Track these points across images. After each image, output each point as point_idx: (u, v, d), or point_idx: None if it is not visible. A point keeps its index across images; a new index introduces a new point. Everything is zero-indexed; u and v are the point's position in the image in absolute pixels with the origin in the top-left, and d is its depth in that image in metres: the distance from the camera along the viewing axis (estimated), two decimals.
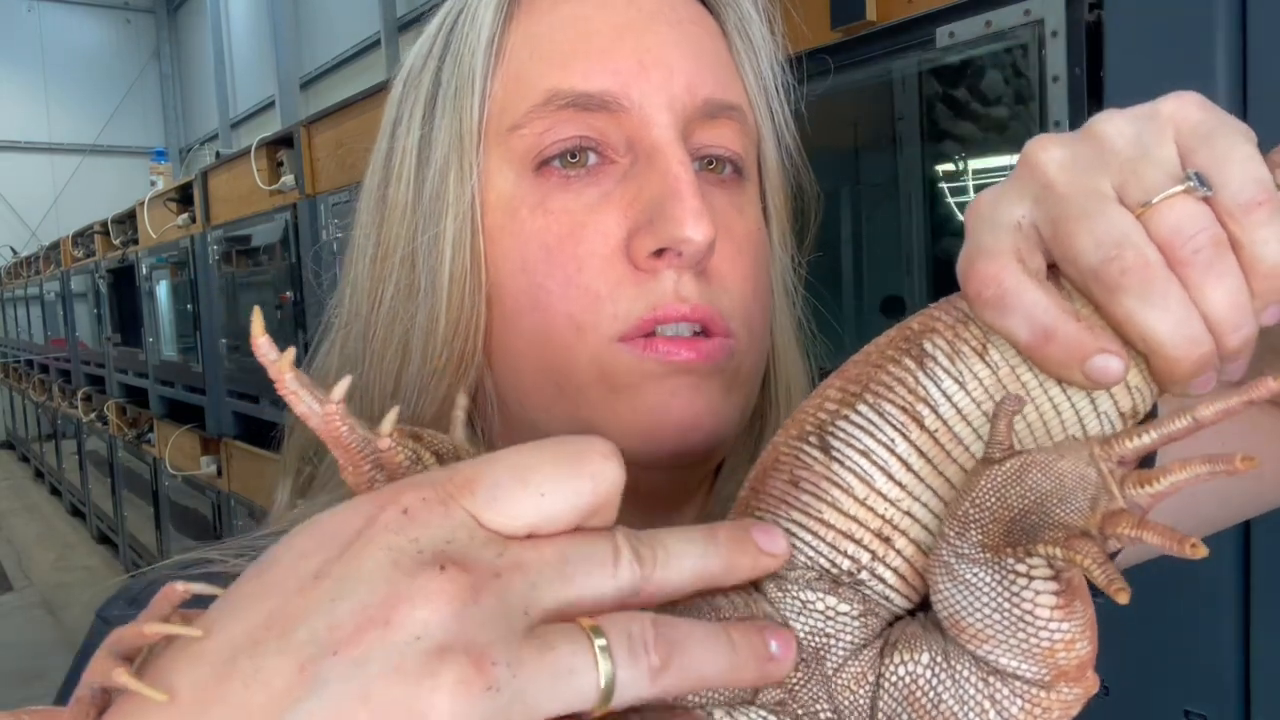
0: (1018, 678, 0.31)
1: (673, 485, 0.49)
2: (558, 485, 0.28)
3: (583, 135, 0.45)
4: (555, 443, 0.29)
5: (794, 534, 0.35)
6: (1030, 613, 0.29)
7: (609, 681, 0.26)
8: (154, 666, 0.26)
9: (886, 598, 0.34)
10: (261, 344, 0.30)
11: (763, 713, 0.32)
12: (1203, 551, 0.25)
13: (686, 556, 0.30)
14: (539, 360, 0.46)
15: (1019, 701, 0.31)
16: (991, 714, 0.31)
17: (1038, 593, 0.29)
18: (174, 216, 3.70)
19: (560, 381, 0.45)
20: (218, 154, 4.06)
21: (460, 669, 0.24)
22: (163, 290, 4.05)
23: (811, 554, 0.34)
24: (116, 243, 4.79)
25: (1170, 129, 0.33)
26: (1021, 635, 0.30)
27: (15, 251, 10.21)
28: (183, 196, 3.68)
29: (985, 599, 0.30)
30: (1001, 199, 0.34)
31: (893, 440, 0.34)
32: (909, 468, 0.34)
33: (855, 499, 0.34)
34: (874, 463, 0.34)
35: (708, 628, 0.29)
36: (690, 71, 0.46)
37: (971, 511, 0.30)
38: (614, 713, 0.29)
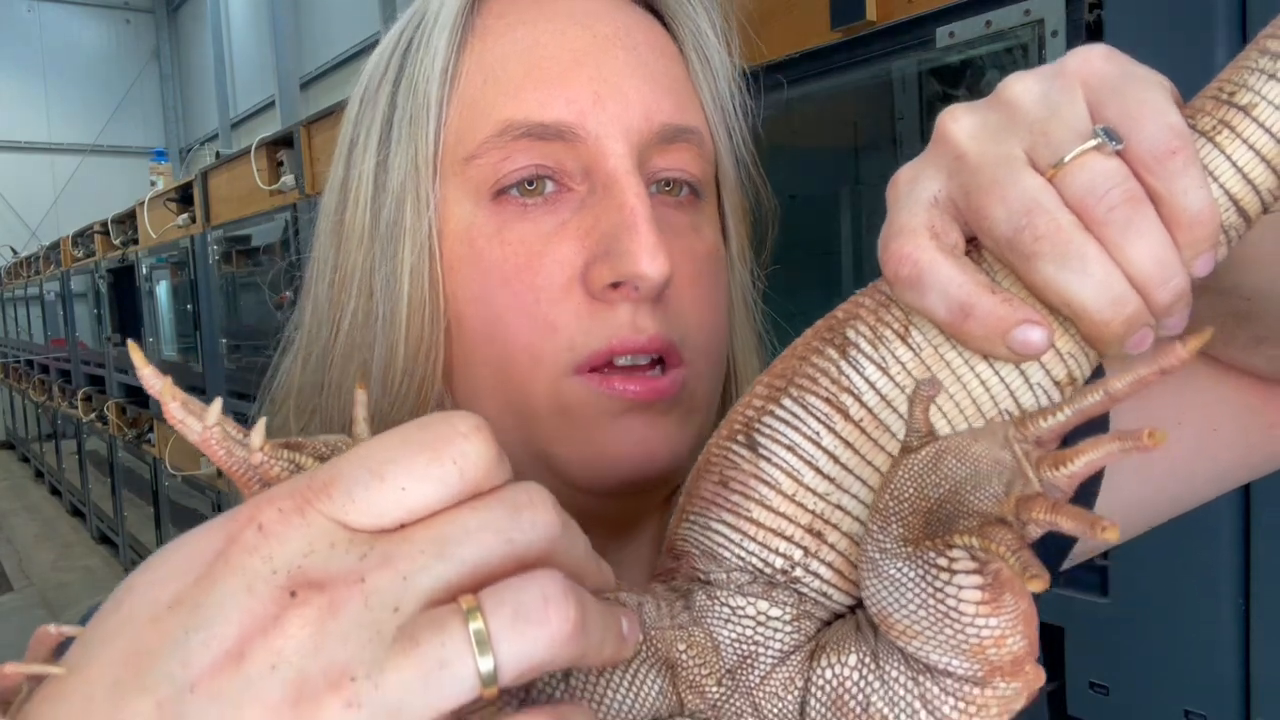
0: (950, 675, 0.29)
1: (628, 510, 0.49)
2: (417, 476, 0.26)
3: (539, 164, 0.45)
4: (415, 427, 0.27)
5: (724, 535, 0.34)
6: (955, 608, 0.28)
7: (492, 662, 0.24)
8: (25, 709, 0.25)
9: (825, 594, 0.33)
10: (147, 374, 0.30)
11: None
12: (1114, 535, 0.24)
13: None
14: (497, 390, 0.46)
15: (951, 700, 0.29)
16: (923, 714, 0.30)
17: (961, 587, 0.27)
18: (174, 216, 3.70)
19: (518, 411, 0.46)
20: (218, 154, 4.06)
21: (318, 694, 0.23)
22: (163, 290, 4.05)
23: (743, 554, 0.34)
24: (116, 243, 4.79)
25: (1077, 85, 0.32)
26: (949, 631, 0.28)
27: (15, 251, 10.21)
28: (183, 196, 3.68)
29: (910, 595, 0.28)
30: (917, 175, 0.34)
31: (818, 433, 0.33)
32: (836, 460, 0.33)
33: (784, 495, 0.33)
34: (800, 457, 0.33)
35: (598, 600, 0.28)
36: (647, 98, 0.46)
37: (891, 504, 0.29)
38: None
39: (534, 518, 0.27)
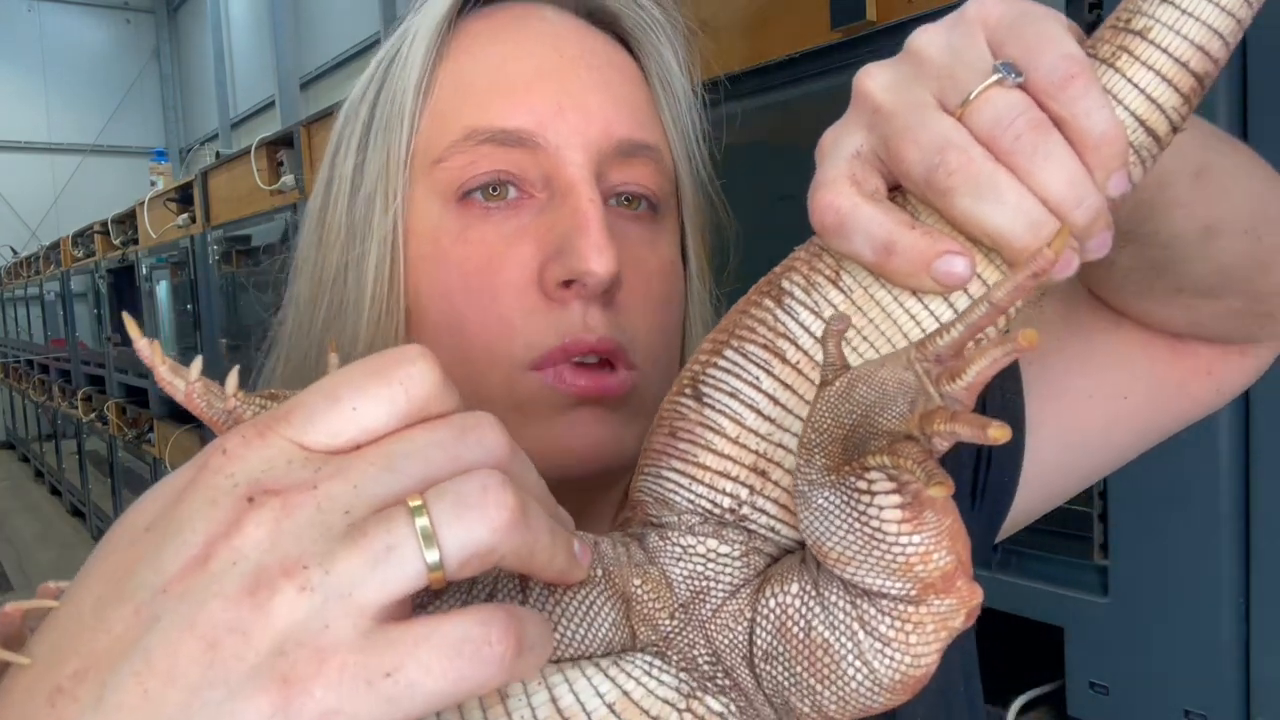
0: (884, 596, 0.30)
1: (584, 499, 0.51)
2: (367, 397, 0.28)
3: (501, 169, 0.48)
4: (369, 358, 0.29)
5: (675, 482, 0.36)
6: (879, 529, 0.29)
7: (437, 549, 0.26)
8: (26, 644, 0.28)
9: (773, 529, 0.35)
10: (142, 345, 0.32)
11: (646, 658, 0.33)
12: (1003, 433, 0.25)
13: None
14: (456, 383, 0.47)
15: (888, 619, 0.31)
16: (861, 635, 0.31)
17: (882, 507, 0.29)
18: (174, 216, 3.70)
19: (475, 405, 0.47)
20: (218, 154, 4.07)
21: (273, 581, 0.25)
22: (163, 290, 4.05)
23: (693, 498, 0.35)
24: (116, 243, 4.79)
25: (978, 28, 0.34)
26: (878, 553, 0.29)
27: (15, 251, 10.21)
28: (183, 196, 3.68)
29: (837, 521, 0.30)
30: (840, 132, 0.36)
31: (758, 378, 0.35)
32: (776, 402, 0.34)
33: (728, 439, 0.35)
34: (742, 402, 0.35)
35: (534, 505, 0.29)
36: (608, 114, 0.49)
37: (812, 436, 0.30)
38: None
39: (481, 438, 0.29)
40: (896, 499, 0.28)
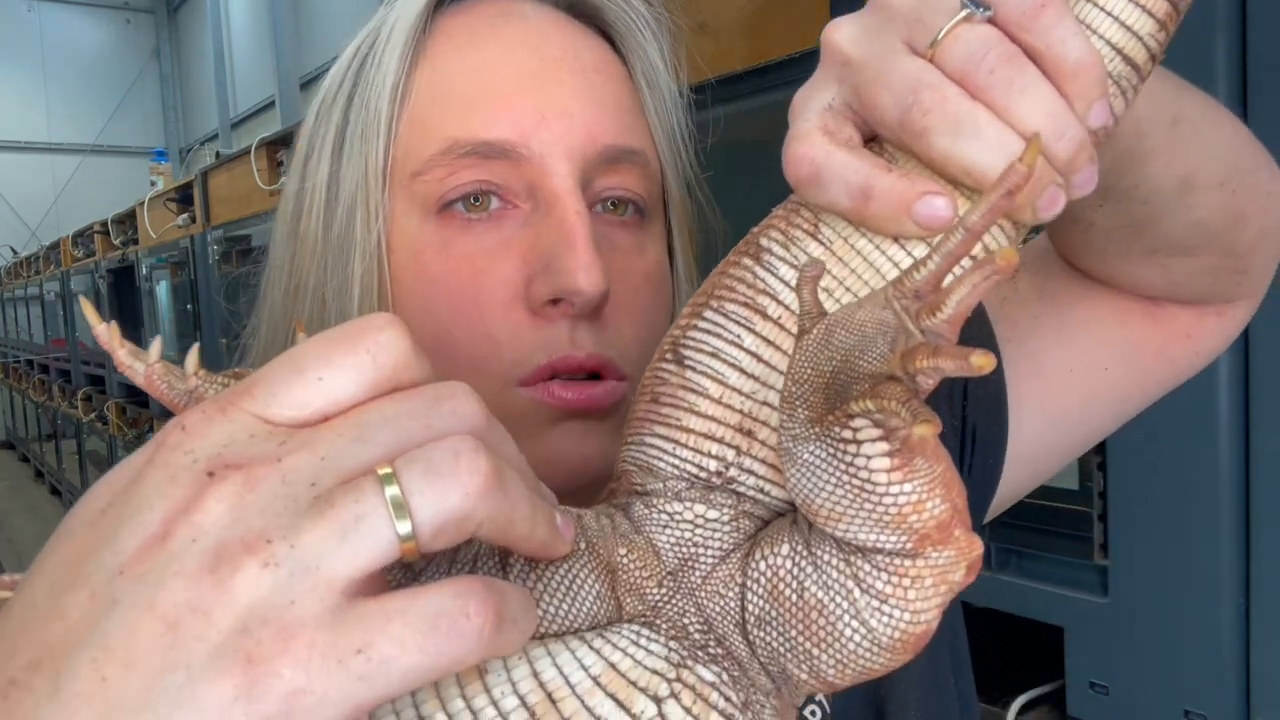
0: (879, 551, 0.29)
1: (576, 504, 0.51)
2: (333, 366, 0.27)
3: (483, 180, 0.46)
4: (335, 328, 0.28)
5: (658, 448, 0.34)
6: (869, 479, 0.27)
7: (408, 519, 0.25)
8: None
9: (762, 490, 0.34)
10: (101, 331, 0.32)
11: (634, 628, 0.31)
12: (990, 362, 0.24)
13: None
14: None
15: (884, 575, 0.29)
16: (857, 593, 0.30)
17: (869, 456, 0.27)
18: (174, 216, 3.70)
19: None
20: (218, 154, 4.06)
21: (235, 557, 0.24)
22: (163, 290, 4.05)
23: (678, 463, 0.34)
24: (116, 243, 4.79)
25: None
26: (869, 505, 0.28)
27: (15, 251, 10.21)
28: (183, 196, 3.68)
29: (825, 475, 0.28)
30: (811, 89, 0.35)
31: (739, 336, 0.34)
32: (759, 358, 0.33)
33: (711, 399, 0.34)
34: (724, 361, 0.34)
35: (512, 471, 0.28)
36: (591, 119, 0.47)
37: (794, 389, 0.29)
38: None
39: (454, 407, 0.27)
40: (884, 446, 0.27)
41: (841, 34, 0.34)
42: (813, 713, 0.45)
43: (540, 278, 0.45)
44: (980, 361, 0.24)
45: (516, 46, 0.48)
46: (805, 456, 0.29)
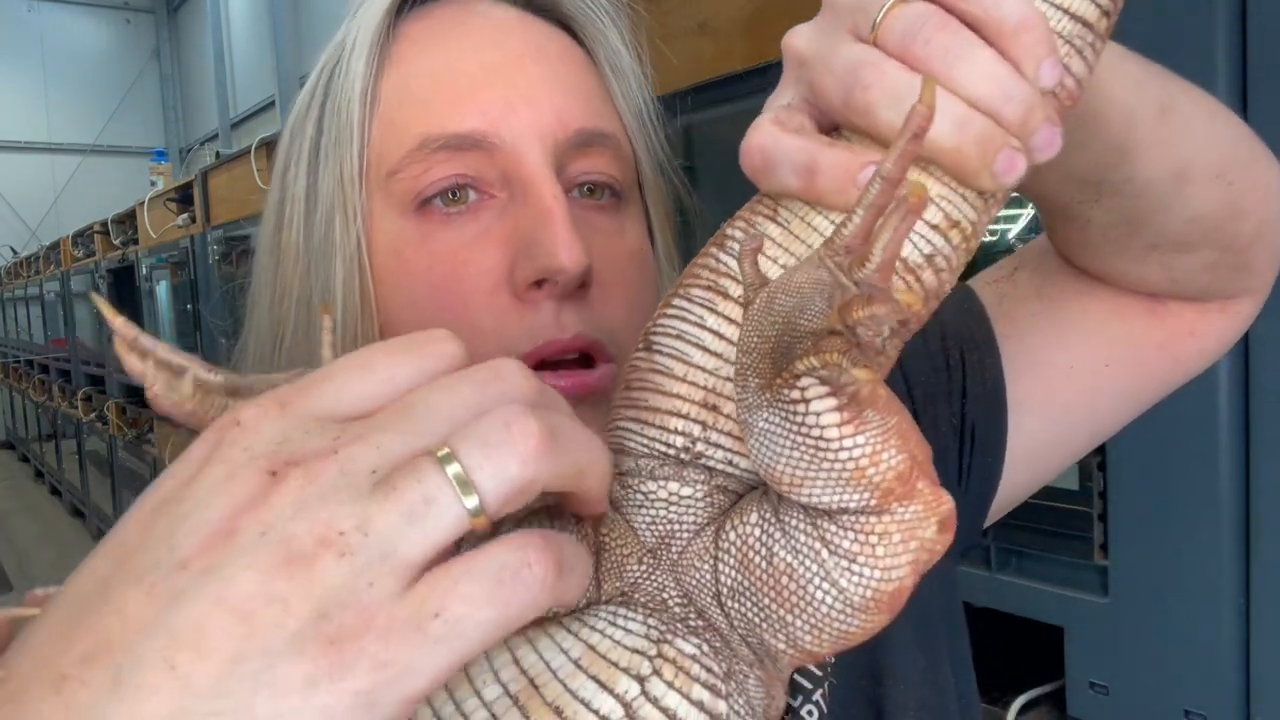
0: (845, 511, 0.29)
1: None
2: (401, 364, 0.28)
3: (459, 174, 0.47)
4: (395, 340, 0.29)
5: (627, 429, 0.35)
6: (821, 436, 0.28)
7: (473, 494, 0.25)
8: (17, 640, 0.27)
9: (731, 463, 0.34)
10: (119, 324, 0.32)
11: (610, 609, 0.32)
12: (916, 299, 0.25)
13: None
14: None
15: (850, 534, 0.29)
16: (824, 554, 0.30)
17: (819, 413, 0.27)
18: (174, 216, 3.70)
19: None
20: (218, 154, 4.06)
21: (310, 549, 0.24)
22: (163, 290, 4.05)
23: (646, 442, 0.35)
24: (116, 243, 4.79)
25: None
26: (826, 464, 0.28)
27: (15, 251, 10.21)
28: (183, 196, 3.68)
29: (781, 440, 0.29)
30: (775, 94, 0.37)
31: (702, 317, 0.35)
32: (721, 336, 0.34)
33: (675, 378, 0.35)
34: (687, 341, 0.35)
35: (582, 428, 0.29)
36: (559, 105, 0.48)
37: (744, 359, 0.30)
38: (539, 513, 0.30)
39: (503, 388, 0.28)
40: (832, 401, 0.27)
41: (797, 39, 0.36)
42: (810, 713, 0.45)
43: (522, 261, 0.46)
44: (907, 299, 0.25)
45: (479, 41, 0.49)
46: (761, 425, 0.29)
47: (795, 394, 0.28)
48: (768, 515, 0.32)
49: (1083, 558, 1.09)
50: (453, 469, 0.25)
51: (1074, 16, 0.33)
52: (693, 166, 1.54)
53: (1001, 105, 0.31)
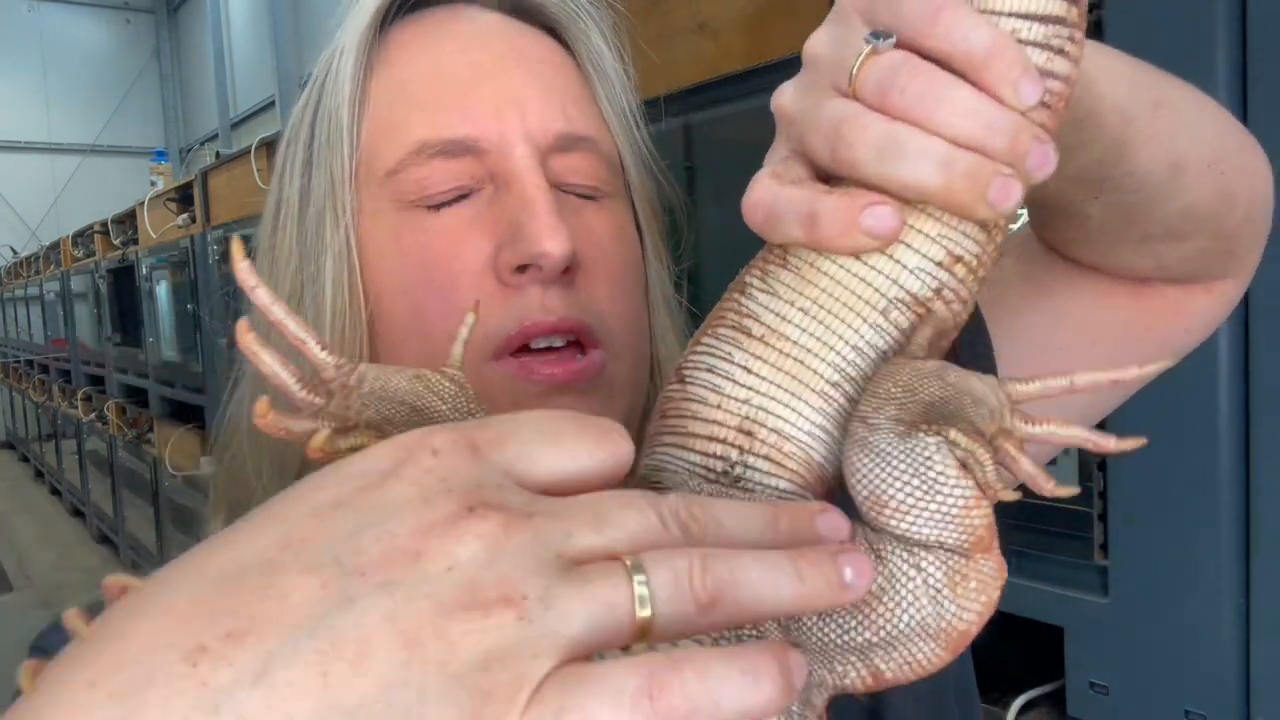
0: (941, 546, 0.32)
1: None
2: (586, 451, 0.28)
3: (460, 186, 0.49)
4: (573, 415, 0.29)
5: (667, 454, 0.38)
6: (941, 474, 0.31)
7: (648, 616, 0.25)
8: (129, 594, 0.25)
9: (769, 485, 0.36)
10: (262, 294, 0.34)
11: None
12: (1068, 492, 0.30)
13: (740, 527, 0.29)
14: None
15: (943, 569, 0.32)
16: (918, 580, 0.32)
17: (946, 455, 0.31)
18: (174, 216, 3.70)
19: None
20: (218, 154, 4.06)
21: (491, 602, 0.24)
22: (163, 290, 4.05)
23: (688, 466, 0.37)
24: (116, 243, 4.79)
25: (852, 13, 0.35)
26: (937, 500, 0.31)
27: (15, 251, 10.21)
28: (183, 196, 3.68)
29: (898, 465, 0.32)
30: (771, 151, 0.38)
31: (729, 353, 0.37)
32: (749, 370, 0.37)
33: (711, 406, 0.37)
34: (719, 375, 0.37)
35: (770, 560, 0.28)
36: (542, 109, 0.50)
37: (892, 389, 0.33)
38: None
39: (684, 525, 0.28)
40: (958, 452, 0.32)
41: (784, 97, 0.37)
42: None
43: (508, 247, 0.47)
44: (1059, 491, 0.32)
45: (467, 45, 0.51)
46: (882, 445, 0.32)
47: (933, 440, 0.32)
48: (861, 544, 0.33)
49: (1082, 558, 1.09)
50: (640, 580, 0.25)
51: (1042, 18, 0.33)
52: (693, 166, 1.54)
53: (987, 138, 0.32)
